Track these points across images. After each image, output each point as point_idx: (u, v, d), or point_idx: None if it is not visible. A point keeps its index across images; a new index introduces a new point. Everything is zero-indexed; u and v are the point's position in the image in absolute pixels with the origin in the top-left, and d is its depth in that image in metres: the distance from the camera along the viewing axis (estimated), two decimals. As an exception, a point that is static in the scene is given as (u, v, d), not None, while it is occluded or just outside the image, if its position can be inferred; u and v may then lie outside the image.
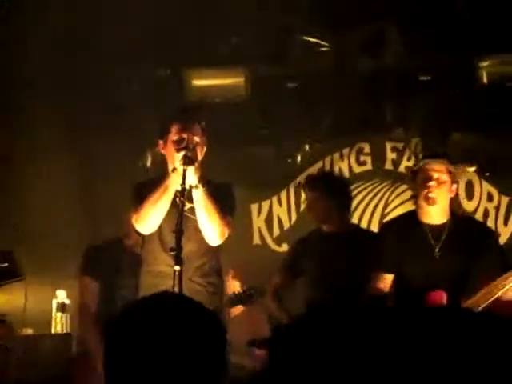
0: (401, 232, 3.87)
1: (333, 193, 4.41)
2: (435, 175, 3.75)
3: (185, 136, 3.67)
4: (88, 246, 4.48)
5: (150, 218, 3.69)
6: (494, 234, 4.13)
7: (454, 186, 3.84)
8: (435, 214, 3.81)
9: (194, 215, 3.68)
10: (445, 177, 3.75)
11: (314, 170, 5.99)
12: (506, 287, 3.58)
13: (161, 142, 3.77)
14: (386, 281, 3.85)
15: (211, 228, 3.67)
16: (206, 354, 1.64)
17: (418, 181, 3.82)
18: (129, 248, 4.42)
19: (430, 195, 3.74)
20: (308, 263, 4.41)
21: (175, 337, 1.64)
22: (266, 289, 4.68)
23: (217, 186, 3.75)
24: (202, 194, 3.61)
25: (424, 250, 3.80)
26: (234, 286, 4.86)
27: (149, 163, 5.66)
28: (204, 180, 3.65)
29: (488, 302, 3.60)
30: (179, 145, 3.65)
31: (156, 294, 1.81)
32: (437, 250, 3.78)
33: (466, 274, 3.72)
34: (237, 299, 4.59)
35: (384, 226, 4.29)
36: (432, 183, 3.73)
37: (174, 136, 3.69)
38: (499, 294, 3.59)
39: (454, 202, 3.94)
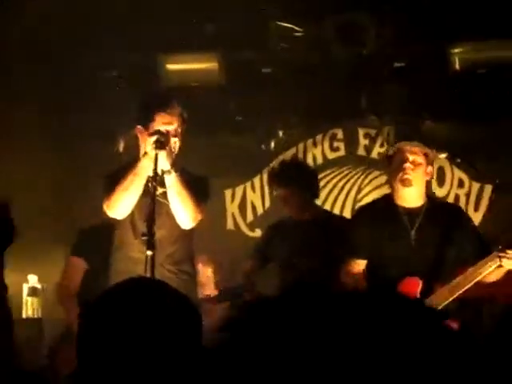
0: (375, 216, 3.83)
1: (303, 186, 4.44)
2: (411, 157, 3.70)
3: (170, 128, 3.66)
4: (79, 228, 4.47)
5: (121, 203, 3.68)
6: (469, 218, 4.08)
7: (430, 168, 3.80)
8: (411, 196, 3.76)
9: (166, 200, 3.68)
10: (420, 159, 3.71)
11: (287, 156, 6.01)
12: (485, 273, 3.57)
13: (139, 127, 3.74)
14: (359, 266, 3.82)
15: (184, 212, 3.67)
16: (181, 337, 1.65)
17: (393, 164, 3.78)
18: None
19: (405, 177, 3.70)
20: (279, 249, 4.43)
21: (149, 321, 1.65)
22: (254, 284, 4.70)
23: (190, 176, 3.75)
24: (174, 179, 3.61)
25: (399, 233, 3.75)
26: (205, 273, 4.87)
27: (121, 148, 5.63)
28: (177, 166, 3.64)
29: (466, 287, 3.59)
30: (154, 131, 3.64)
31: (130, 279, 1.81)
32: (413, 233, 3.73)
33: (443, 259, 3.69)
34: (225, 296, 4.64)
35: (358, 210, 4.24)
36: (407, 165, 3.69)
37: (159, 125, 3.66)
38: (478, 279, 3.58)
39: (429, 186, 3.93)
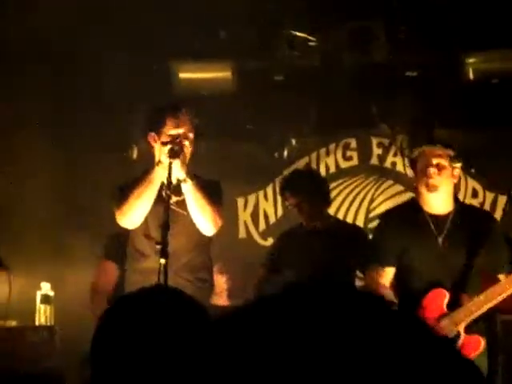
0: (402, 222, 3.65)
1: (315, 194, 4.44)
2: (435, 161, 3.54)
3: (179, 131, 3.66)
4: (109, 232, 4.45)
5: (134, 212, 3.67)
6: (499, 224, 3.94)
7: (456, 170, 3.63)
8: (438, 201, 3.60)
9: (182, 209, 3.68)
10: (445, 162, 3.55)
11: (300, 164, 6.00)
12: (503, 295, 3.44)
13: (153, 134, 3.74)
14: (387, 275, 3.64)
15: (204, 218, 3.67)
16: (193, 346, 1.65)
17: (417, 168, 3.62)
18: None
19: (430, 182, 3.54)
20: (290, 258, 4.41)
21: (162, 329, 1.65)
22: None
23: (205, 182, 3.75)
24: (191, 187, 3.61)
25: (426, 241, 3.59)
26: (219, 282, 4.87)
27: (135, 155, 5.64)
28: (191, 174, 3.65)
29: (491, 303, 3.46)
30: (168, 138, 3.64)
31: (145, 287, 1.81)
32: (440, 240, 3.57)
33: (471, 268, 3.53)
34: None
35: (383, 216, 4.03)
36: (432, 169, 3.53)
37: (170, 129, 3.67)
38: (504, 295, 3.44)
39: (456, 190, 3.75)
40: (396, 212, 3.84)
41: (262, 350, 0.73)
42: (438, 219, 3.60)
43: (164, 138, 3.66)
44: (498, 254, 3.59)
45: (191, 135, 3.70)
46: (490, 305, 3.47)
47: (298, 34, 5.39)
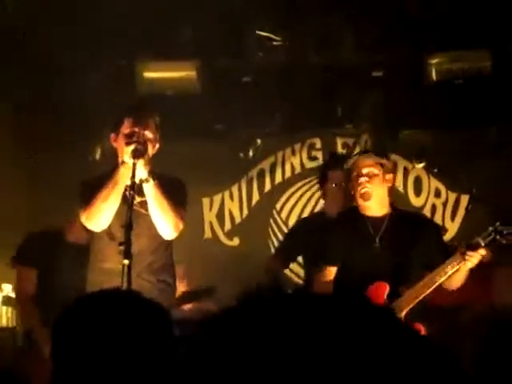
0: (344, 224, 3.93)
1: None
2: (365, 170, 3.79)
3: (136, 130, 3.62)
4: (25, 235, 4.37)
5: (101, 215, 3.61)
6: (433, 224, 4.22)
7: (389, 175, 3.86)
8: (373, 206, 3.85)
9: (145, 210, 3.64)
10: (376, 170, 3.79)
11: (265, 164, 6.01)
12: (449, 273, 3.66)
13: (113, 134, 3.72)
14: (331, 274, 3.89)
15: (165, 221, 3.63)
16: (152, 348, 1.64)
17: (351, 178, 3.88)
18: (70, 242, 4.32)
19: (363, 191, 3.79)
20: (306, 245, 4.40)
21: (121, 332, 1.64)
22: (214, 288, 4.70)
23: (167, 180, 3.71)
24: (152, 188, 3.57)
25: (364, 241, 3.85)
26: (180, 286, 4.81)
27: (98, 156, 5.59)
28: (154, 174, 3.61)
29: (430, 289, 3.68)
30: (130, 138, 3.60)
31: (105, 290, 1.79)
32: (377, 240, 3.82)
33: (408, 264, 3.78)
34: (185, 298, 4.63)
35: (331, 220, 4.30)
36: (362, 179, 3.78)
37: (125, 129, 3.63)
38: (440, 281, 3.67)
39: (392, 193, 3.96)
40: (340, 216, 4.10)
41: (245, 355, 0.73)
42: (375, 221, 3.85)
43: (122, 138, 3.63)
44: (432, 252, 3.82)
45: (151, 134, 3.66)
46: (427, 292, 3.68)
47: (264, 33, 5.39)
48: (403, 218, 3.92)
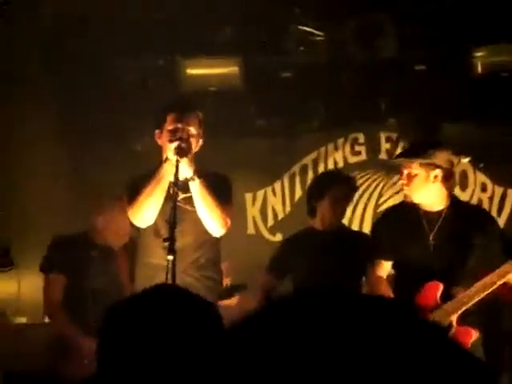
0: (399, 219, 3.86)
1: (343, 194, 4.42)
2: (405, 171, 3.79)
3: (180, 126, 3.64)
4: (52, 240, 4.36)
5: (145, 211, 3.66)
6: (495, 220, 4.07)
7: (435, 172, 3.76)
8: (426, 203, 3.79)
9: (190, 206, 3.66)
10: (416, 170, 3.74)
11: (308, 160, 5.99)
12: (501, 281, 3.56)
13: (157, 131, 3.75)
14: (385, 269, 3.85)
15: (212, 219, 3.65)
16: (203, 343, 1.64)
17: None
18: (98, 243, 4.33)
19: (404, 192, 3.83)
20: (297, 262, 4.36)
21: (171, 329, 1.65)
22: (245, 284, 4.68)
23: (212, 176, 3.73)
24: (198, 186, 3.59)
25: (418, 236, 3.77)
26: (225, 282, 4.79)
27: (140, 147, 5.60)
28: (199, 171, 3.63)
29: (483, 294, 3.59)
30: (173, 135, 3.62)
31: (153, 286, 1.81)
32: (431, 237, 3.75)
33: (464, 263, 3.69)
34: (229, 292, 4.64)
35: (384, 213, 4.24)
36: (401, 182, 3.82)
37: (169, 126, 3.66)
38: (495, 287, 3.58)
39: (450, 186, 3.86)
40: (392, 210, 4.06)
41: (273, 359, 0.73)
42: (430, 216, 3.79)
43: (166, 134, 3.65)
44: (493, 248, 3.73)
45: (194, 131, 3.68)
46: (481, 296, 3.60)
47: (305, 28, 5.37)
48: (461, 212, 3.81)
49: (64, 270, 4.22)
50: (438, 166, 3.78)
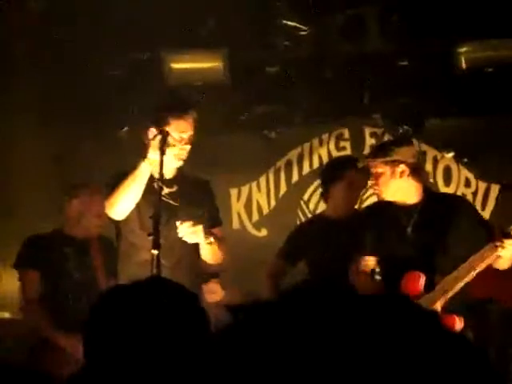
0: (378, 214, 3.93)
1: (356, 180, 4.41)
2: (372, 171, 3.87)
3: (186, 136, 3.68)
4: (26, 238, 4.33)
5: (119, 204, 3.71)
6: (471, 206, 4.16)
7: (400, 168, 3.81)
8: (399, 198, 3.85)
9: (174, 201, 3.69)
10: (381, 169, 3.81)
11: (293, 155, 5.99)
12: (484, 264, 3.61)
13: (152, 128, 3.71)
14: (369, 263, 3.88)
15: (213, 260, 3.90)
16: (189, 336, 1.64)
17: None
18: (72, 236, 4.30)
19: (375, 192, 3.95)
20: (310, 248, 4.37)
21: (158, 319, 1.64)
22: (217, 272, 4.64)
23: (194, 182, 3.77)
24: (213, 247, 3.79)
25: (396, 232, 3.84)
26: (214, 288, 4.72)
27: (125, 143, 5.57)
28: (181, 176, 3.72)
29: (466, 278, 3.63)
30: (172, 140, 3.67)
31: (141, 279, 1.80)
32: (409, 230, 3.80)
33: (444, 252, 3.73)
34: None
35: (366, 209, 4.32)
36: (370, 182, 3.96)
37: (174, 132, 3.65)
38: (478, 270, 3.62)
39: (421, 179, 3.93)
40: (375, 205, 4.14)
41: (274, 354, 0.72)
42: (406, 210, 3.84)
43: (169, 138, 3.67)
44: (472, 233, 3.77)
45: (192, 131, 3.73)
46: (463, 282, 3.64)
47: (290, 23, 5.36)
48: (438, 202, 3.88)
49: (38, 266, 4.19)
50: (402, 162, 3.82)
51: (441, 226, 3.76)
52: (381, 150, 3.89)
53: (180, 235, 3.62)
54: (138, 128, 3.87)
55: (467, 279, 3.63)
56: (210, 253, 3.81)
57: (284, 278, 4.44)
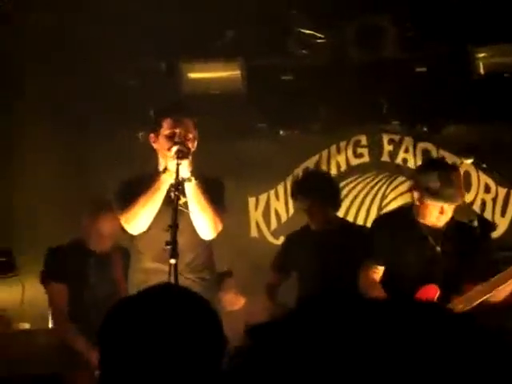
0: (396, 227, 3.91)
1: (325, 198, 4.41)
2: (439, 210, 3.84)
3: (177, 131, 3.65)
4: (48, 249, 4.34)
5: (140, 219, 3.66)
6: (489, 238, 4.20)
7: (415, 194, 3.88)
8: (434, 219, 3.85)
9: (185, 208, 3.67)
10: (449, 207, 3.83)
11: (310, 163, 5.98)
12: (502, 286, 3.63)
13: (152, 135, 3.75)
14: (378, 273, 3.90)
15: (204, 221, 3.66)
16: (205, 345, 1.63)
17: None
18: (92, 249, 4.31)
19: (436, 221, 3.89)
20: (298, 260, 4.41)
21: (173, 328, 1.64)
22: (231, 270, 4.61)
23: (206, 180, 3.73)
24: (194, 187, 3.59)
25: (421, 245, 3.84)
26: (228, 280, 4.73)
27: (140, 152, 5.59)
28: (195, 173, 3.62)
29: (480, 300, 3.65)
30: (171, 140, 3.63)
31: (156, 285, 1.80)
32: (438, 248, 3.83)
33: (459, 275, 3.78)
34: None
35: (379, 219, 4.35)
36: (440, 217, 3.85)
37: (165, 131, 3.66)
38: (494, 292, 3.64)
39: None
40: (390, 217, 4.13)
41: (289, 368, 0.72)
42: (431, 228, 3.87)
43: (163, 140, 3.65)
44: (479, 265, 3.82)
45: (190, 134, 3.68)
46: (478, 302, 3.66)
47: (307, 31, 5.36)
48: (459, 229, 3.91)
49: (64, 279, 4.20)
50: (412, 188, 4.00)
51: (460, 252, 3.82)
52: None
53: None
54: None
55: (481, 300, 3.66)
56: (195, 199, 3.57)
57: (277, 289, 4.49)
